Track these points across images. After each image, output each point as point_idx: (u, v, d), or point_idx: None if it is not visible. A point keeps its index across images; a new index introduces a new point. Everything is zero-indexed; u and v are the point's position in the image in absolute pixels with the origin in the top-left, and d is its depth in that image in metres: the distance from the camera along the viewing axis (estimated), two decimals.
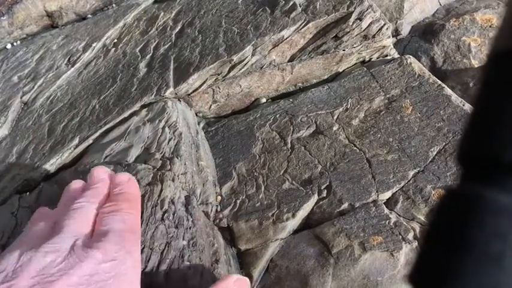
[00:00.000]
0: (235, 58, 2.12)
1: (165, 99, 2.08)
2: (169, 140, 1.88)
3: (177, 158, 1.77)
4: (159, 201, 1.57)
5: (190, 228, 1.52)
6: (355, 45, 2.11)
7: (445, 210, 0.34)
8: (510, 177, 0.31)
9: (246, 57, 2.14)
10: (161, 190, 1.61)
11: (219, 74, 2.16)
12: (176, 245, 1.45)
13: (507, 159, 0.31)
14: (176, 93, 2.14)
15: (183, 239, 1.48)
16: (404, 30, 2.77)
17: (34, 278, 0.78)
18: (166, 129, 1.93)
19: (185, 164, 1.76)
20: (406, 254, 1.38)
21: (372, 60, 2.24)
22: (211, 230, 1.61)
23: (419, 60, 2.50)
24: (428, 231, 0.37)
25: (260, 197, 1.73)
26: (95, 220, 1.21)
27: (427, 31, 2.69)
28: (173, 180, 1.67)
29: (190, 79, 2.13)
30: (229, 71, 2.15)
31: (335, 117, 1.96)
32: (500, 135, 0.31)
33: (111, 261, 1.01)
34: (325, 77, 2.25)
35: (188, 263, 1.41)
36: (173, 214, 1.55)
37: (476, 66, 2.38)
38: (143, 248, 1.43)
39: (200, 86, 2.17)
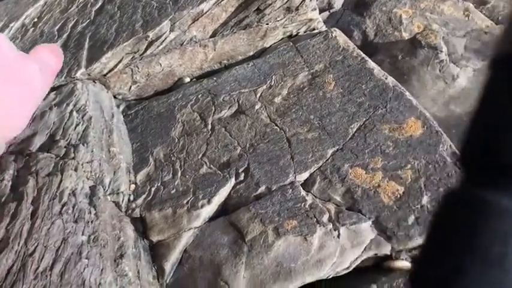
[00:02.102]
0: (151, 34, 1.97)
1: (75, 81, 1.92)
2: (77, 125, 1.73)
3: (83, 145, 1.63)
4: (57, 194, 1.44)
5: (92, 221, 1.40)
6: (278, 19, 2.01)
7: (449, 213, 0.35)
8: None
9: (164, 33, 1.99)
10: (61, 181, 1.47)
11: (135, 52, 2.01)
12: (74, 241, 1.33)
13: (510, 162, 0.32)
14: (89, 74, 1.98)
15: (83, 234, 1.36)
16: (338, 4, 2.69)
17: None
18: (74, 113, 1.77)
19: (92, 151, 1.62)
20: (320, 237, 1.32)
21: (299, 34, 2.15)
22: (119, 222, 1.49)
23: (351, 34, 2.43)
24: (433, 233, 0.37)
25: (176, 183, 1.62)
26: None
27: (360, 4, 2.61)
28: (76, 169, 1.53)
29: (103, 58, 1.97)
30: (146, 49, 2.00)
31: (258, 96, 1.86)
32: (503, 139, 0.32)
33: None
34: (251, 53, 2.14)
35: (86, 260, 1.29)
36: (73, 207, 1.42)
37: (406, 38, 2.34)
38: (36, 245, 1.30)
39: (116, 65, 2.01)
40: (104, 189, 1.56)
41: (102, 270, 1.29)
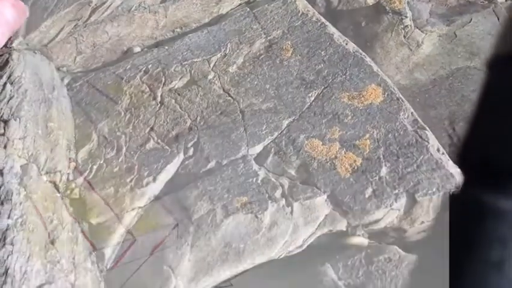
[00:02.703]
0: None
1: (11, 51, 1.75)
2: (10, 98, 1.57)
3: (16, 119, 1.48)
4: None
5: (20, 203, 1.26)
6: None
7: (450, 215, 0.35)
8: (511, 183, 0.32)
9: None
10: None
11: (78, 19, 1.84)
12: None
13: (508, 165, 0.32)
14: (27, 44, 1.81)
15: (9, 217, 1.22)
16: None
17: None
18: (8, 86, 1.61)
19: (25, 126, 1.48)
20: (271, 214, 1.22)
21: None
22: (53, 203, 1.36)
23: (314, 1, 2.31)
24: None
25: (120, 160, 1.49)
26: None
27: None
28: (5, 146, 1.38)
29: (42, 26, 1.79)
30: (90, 15, 1.84)
31: (211, 65, 1.73)
32: (502, 141, 0.32)
33: None
34: (206, 20, 2.00)
35: (11, 247, 1.16)
36: (0, 188, 1.28)
37: (371, 4, 2.22)
38: None
39: (57, 34, 1.84)
40: (39, 168, 1.42)
41: (29, 257, 1.16)
